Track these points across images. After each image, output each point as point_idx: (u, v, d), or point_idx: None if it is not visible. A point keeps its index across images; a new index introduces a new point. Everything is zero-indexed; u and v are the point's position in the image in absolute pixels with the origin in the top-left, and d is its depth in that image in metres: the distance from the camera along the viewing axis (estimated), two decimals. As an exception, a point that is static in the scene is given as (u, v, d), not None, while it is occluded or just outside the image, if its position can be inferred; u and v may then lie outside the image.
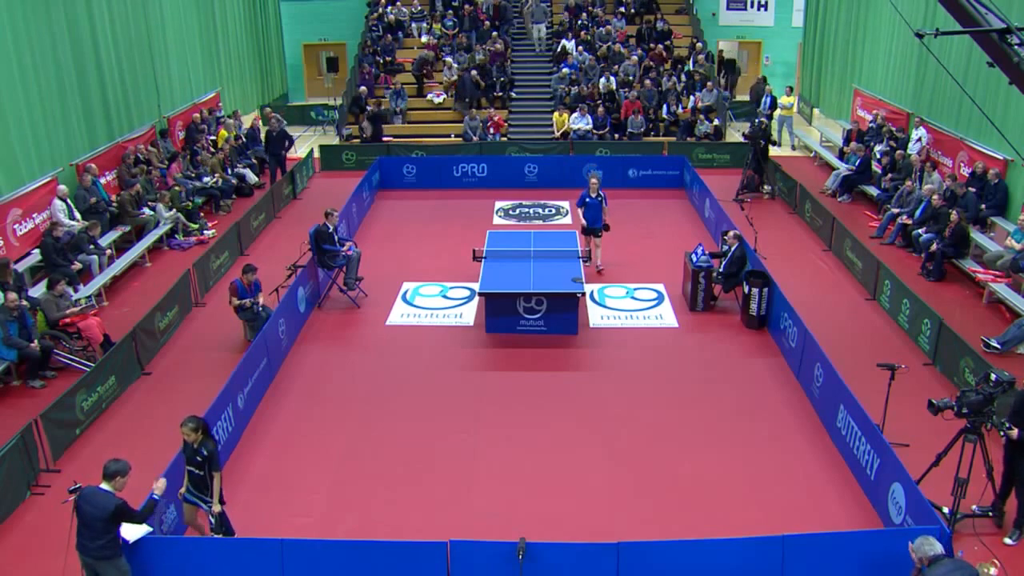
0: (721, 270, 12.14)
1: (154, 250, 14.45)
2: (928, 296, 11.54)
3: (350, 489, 8.19)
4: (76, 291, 11.70)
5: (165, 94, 18.25)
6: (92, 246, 12.88)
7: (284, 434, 9.07)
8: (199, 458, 6.84)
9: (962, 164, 15.02)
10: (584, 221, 13.30)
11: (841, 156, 18.72)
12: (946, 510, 7.30)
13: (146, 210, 14.78)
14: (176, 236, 14.98)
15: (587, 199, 13.19)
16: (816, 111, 24.09)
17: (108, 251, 13.33)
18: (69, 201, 13.39)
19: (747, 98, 24.94)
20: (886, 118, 18.39)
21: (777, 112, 21.51)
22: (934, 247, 12.97)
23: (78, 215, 13.45)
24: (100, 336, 10.65)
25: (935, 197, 13.78)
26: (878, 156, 17.25)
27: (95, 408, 9.33)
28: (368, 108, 21.40)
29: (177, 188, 15.58)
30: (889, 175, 16.21)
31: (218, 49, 21.89)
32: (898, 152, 16.48)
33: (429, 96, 22.80)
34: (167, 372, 10.55)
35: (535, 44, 22.06)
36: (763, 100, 21.83)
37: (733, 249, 12.09)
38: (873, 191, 16.56)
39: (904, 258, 13.88)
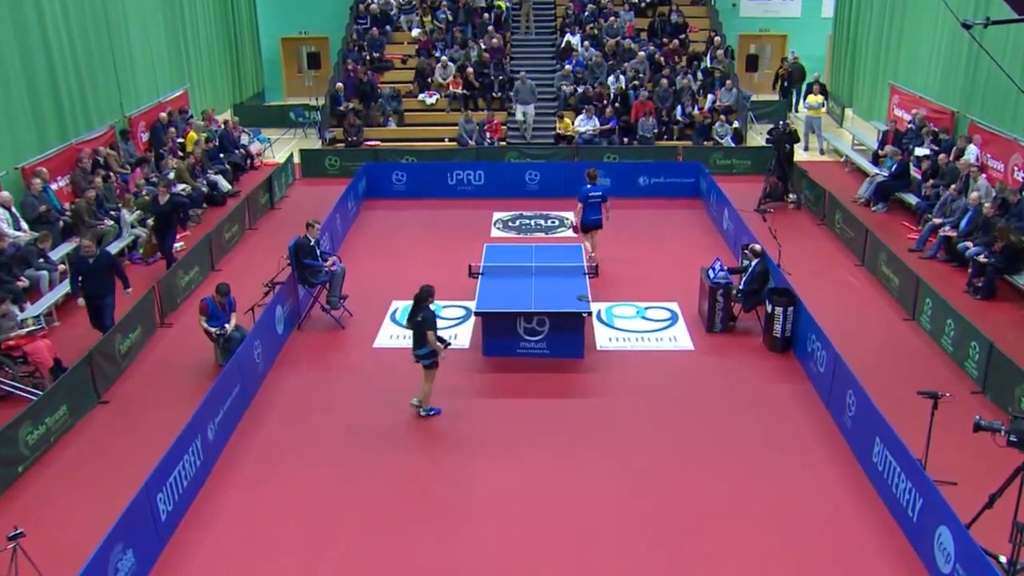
0: (741, 287, 12.12)
1: (114, 265, 14.41)
2: (976, 316, 11.47)
3: (332, 528, 8.11)
4: (22, 311, 11.62)
5: (127, 91, 18.27)
6: (42, 260, 12.82)
7: (259, 467, 8.99)
8: (419, 318, 9.62)
9: (1015, 168, 14.99)
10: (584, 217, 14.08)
11: (876, 160, 18.73)
12: (1003, 559, 7.17)
13: (107, 220, 14.71)
14: (137, 250, 14.93)
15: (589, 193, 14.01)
16: (848, 111, 24.15)
17: (60, 265, 13.22)
18: (14, 209, 13.31)
19: (770, 97, 24.97)
20: (927, 118, 18.39)
21: (803, 112, 21.47)
22: (983, 259, 12.91)
23: (25, 225, 13.38)
24: (50, 361, 10.56)
25: (986, 205, 13.71)
26: (917, 160, 17.25)
27: (42, 442, 9.22)
28: (343, 106, 21.64)
29: (147, 196, 15.50)
30: (930, 181, 16.19)
31: (186, 42, 21.96)
32: (941, 156, 16.44)
33: (421, 96, 22.86)
34: (128, 400, 10.47)
35: (521, 127, 21.96)
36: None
37: (754, 264, 12.07)
38: (912, 199, 16.55)
39: (947, 273, 13.85)
